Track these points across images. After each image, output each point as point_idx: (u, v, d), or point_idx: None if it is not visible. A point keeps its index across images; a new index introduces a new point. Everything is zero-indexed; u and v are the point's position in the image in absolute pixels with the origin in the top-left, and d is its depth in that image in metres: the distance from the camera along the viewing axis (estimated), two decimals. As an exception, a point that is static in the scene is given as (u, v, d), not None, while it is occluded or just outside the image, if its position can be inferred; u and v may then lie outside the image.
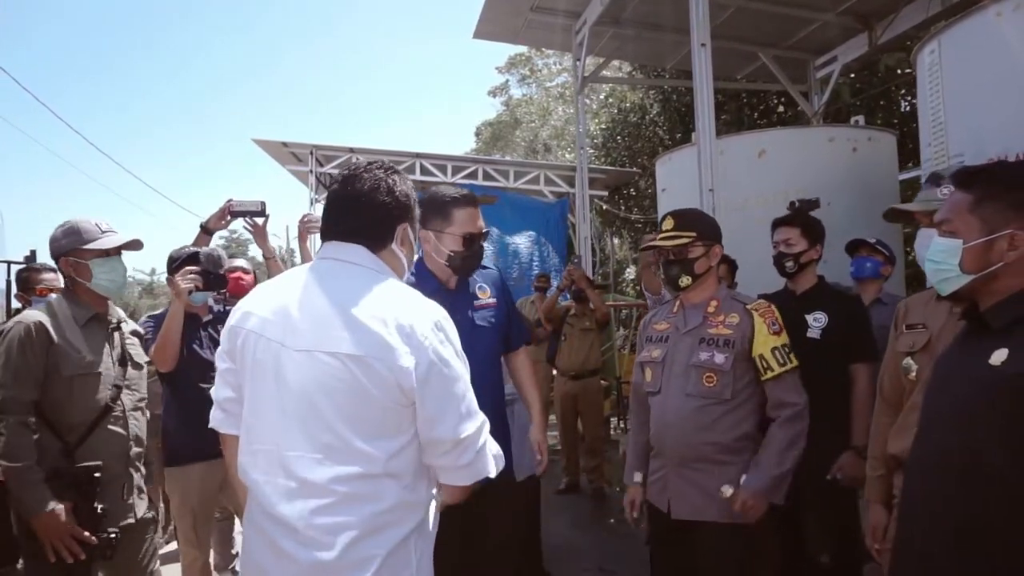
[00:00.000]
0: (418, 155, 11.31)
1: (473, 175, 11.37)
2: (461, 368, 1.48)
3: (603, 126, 15.76)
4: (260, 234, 3.28)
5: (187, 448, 2.96)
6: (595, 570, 4.23)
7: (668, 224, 2.50)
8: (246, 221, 3.27)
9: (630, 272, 18.87)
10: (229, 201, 3.19)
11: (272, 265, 3.34)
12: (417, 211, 1.64)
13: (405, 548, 1.45)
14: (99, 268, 2.39)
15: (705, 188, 5.06)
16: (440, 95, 67.25)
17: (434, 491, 1.58)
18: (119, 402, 2.40)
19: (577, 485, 6.00)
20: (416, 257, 1.87)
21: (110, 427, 2.36)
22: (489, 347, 2.51)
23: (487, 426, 1.53)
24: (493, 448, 1.54)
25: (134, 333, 2.65)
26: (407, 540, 1.45)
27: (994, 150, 3.39)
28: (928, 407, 1.57)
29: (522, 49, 22.53)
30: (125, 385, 2.44)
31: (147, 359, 2.68)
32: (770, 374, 2.32)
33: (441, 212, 2.39)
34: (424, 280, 2.37)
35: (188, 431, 2.86)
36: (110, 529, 2.27)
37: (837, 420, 2.71)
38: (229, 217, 3.23)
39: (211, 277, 2.97)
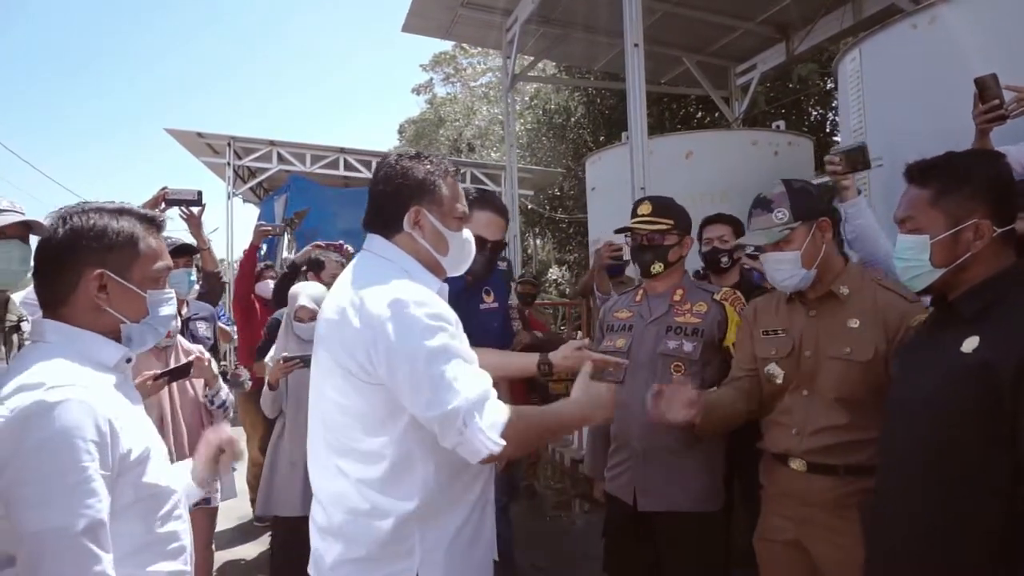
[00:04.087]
0: (342, 150, 11.07)
1: (398, 171, 11.20)
2: (421, 348, 1.43)
3: (528, 127, 15.87)
4: (195, 224, 3.13)
5: None
6: (528, 567, 4.21)
7: (645, 209, 2.46)
8: (181, 210, 3.14)
9: (553, 272, 19.07)
10: (164, 189, 3.01)
11: (207, 256, 3.20)
12: (441, 193, 1.62)
13: (402, 534, 1.49)
14: None
15: (637, 186, 5.14)
16: (363, 90, 66.10)
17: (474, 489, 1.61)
18: None
19: (509, 483, 5.97)
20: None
21: None
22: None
23: (466, 407, 1.42)
24: (494, 424, 1.44)
25: None
26: (403, 527, 1.49)
27: (910, 155, 3.58)
28: (896, 398, 1.59)
29: (447, 47, 22.44)
30: None
31: None
32: None
33: None
34: None
35: None
36: None
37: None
38: (163, 206, 3.05)
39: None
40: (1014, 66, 2.92)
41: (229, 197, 10.71)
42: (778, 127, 6.24)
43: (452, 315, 1.54)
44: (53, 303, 1.36)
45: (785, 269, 1.96)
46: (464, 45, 20.68)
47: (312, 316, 3.24)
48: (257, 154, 10.77)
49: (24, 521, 1.15)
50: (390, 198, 1.61)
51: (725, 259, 3.09)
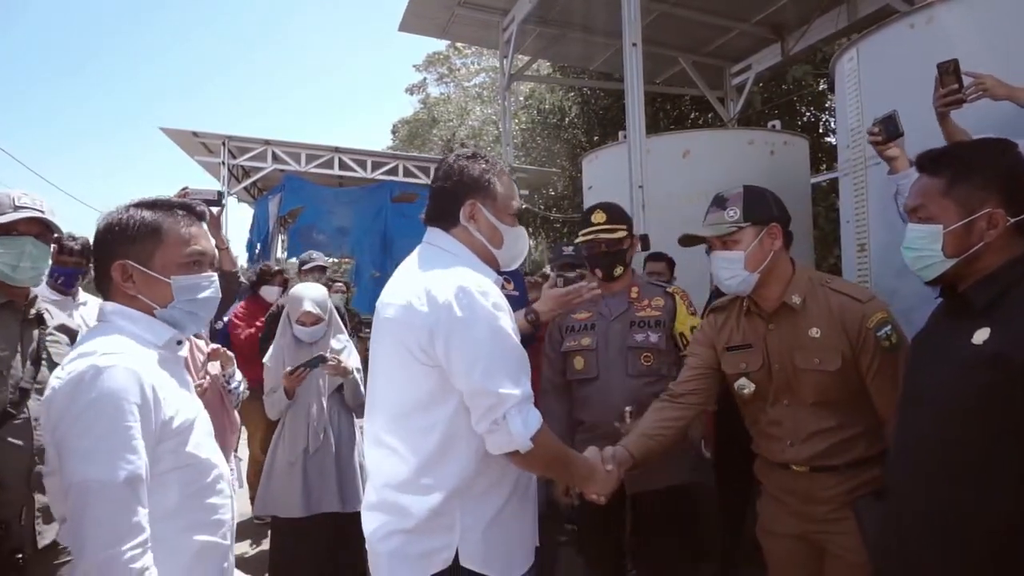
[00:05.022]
0: (337, 149, 11.02)
1: (393, 171, 11.18)
2: (483, 331, 1.54)
3: (523, 126, 15.88)
4: (215, 223, 3.17)
5: None
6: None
7: (600, 217, 2.63)
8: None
9: (547, 271, 19.06)
10: (184, 189, 3.07)
11: (225, 256, 3.24)
12: (495, 189, 1.75)
13: (445, 509, 1.59)
14: None
15: (635, 185, 5.17)
16: (357, 90, 65.82)
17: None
18: (24, 408, 1.98)
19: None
20: None
21: (9, 439, 1.94)
22: None
23: (513, 401, 1.53)
24: (530, 424, 1.55)
25: (62, 329, 2.25)
26: (447, 502, 1.59)
27: (909, 153, 3.61)
28: (909, 389, 1.58)
29: (440, 48, 22.43)
30: (35, 389, 2.01)
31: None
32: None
33: None
34: None
35: None
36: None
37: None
38: None
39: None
40: (1011, 64, 2.96)
41: (224, 197, 10.65)
42: (774, 127, 6.27)
43: (509, 307, 1.65)
44: (105, 292, 1.54)
45: (729, 268, 1.99)
46: (458, 45, 20.68)
47: (315, 321, 3.26)
48: (252, 153, 10.71)
49: (71, 472, 1.30)
50: (448, 194, 1.74)
51: None
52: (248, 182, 11.34)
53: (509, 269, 1.85)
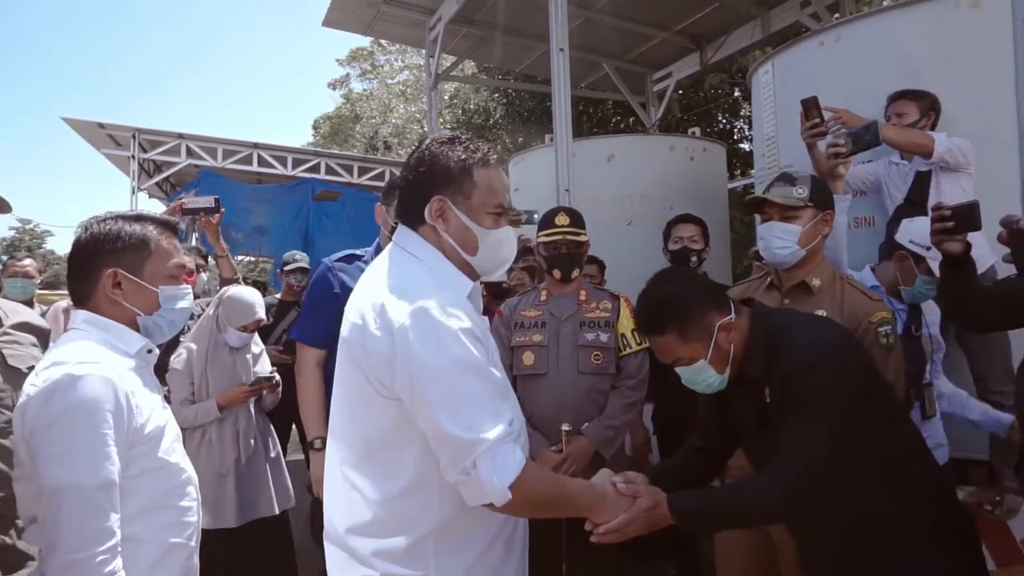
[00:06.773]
0: (256, 145, 10.68)
1: (315, 169, 10.93)
2: (447, 364, 1.30)
3: (447, 127, 15.82)
4: (213, 231, 3.08)
5: None
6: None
7: (564, 219, 2.73)
8: (200, 219, 3.16)
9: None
10: (180, 200, 3.00)
11: (224, 263, 3.12)
12: (472, 182, 1.44)
13: (414, 556, 1.38)
14: None
15: (562, 188, 5.24)
16: (277, 83, 63.89)
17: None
18: None
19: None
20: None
21: None
22: None
23: (484, 446, 1.28)
24: (505, 470, 1.30)
25: (25, 327, 2.04)
26: (416, 549, 1.38)
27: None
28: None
29: (364, 43, 22.04)
30: None
31: (31, 363, 1.95)
32: (628, 350, 2.67)
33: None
34: None
35: None
36: None
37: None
38: (180, 215, 3.06)
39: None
40: (907, 81, 3.19)
41: (133, 192, 10.15)
42: (694, 133, 6.49)
43: (482, 325, 1.42)
44: (82, 298, 1.58)
45: (783, 239, 2.13)
46: (382, 41, 20.39)
47: (257, 328, 3.18)
48: (164, 147, 10.23)
49: (47, 477, 1.35)
50: (414, 186, 1.46)
51: (695, 259, 3.23)
52: (160, 177, 10.82)
53: (490, 278, 1.56)
